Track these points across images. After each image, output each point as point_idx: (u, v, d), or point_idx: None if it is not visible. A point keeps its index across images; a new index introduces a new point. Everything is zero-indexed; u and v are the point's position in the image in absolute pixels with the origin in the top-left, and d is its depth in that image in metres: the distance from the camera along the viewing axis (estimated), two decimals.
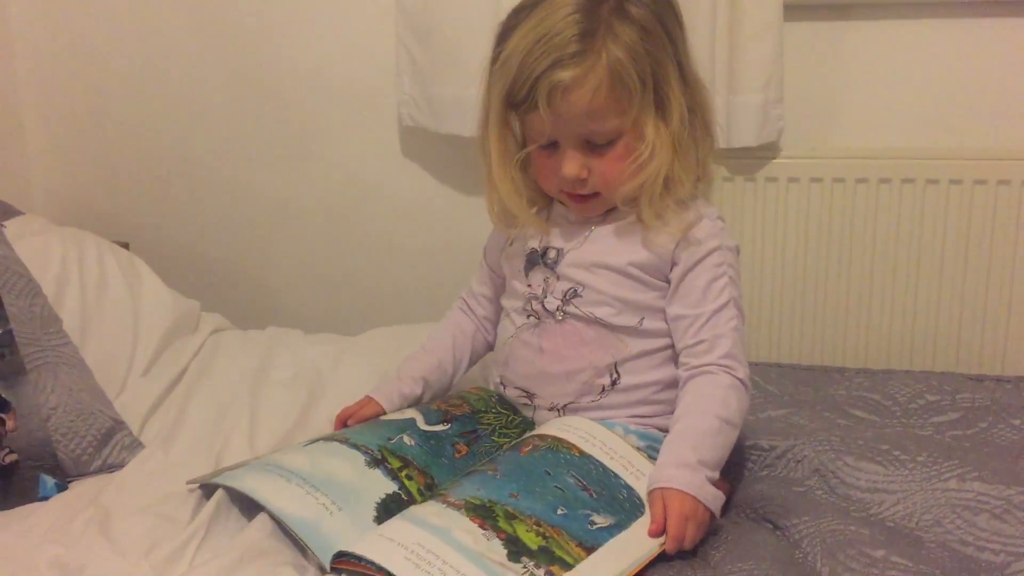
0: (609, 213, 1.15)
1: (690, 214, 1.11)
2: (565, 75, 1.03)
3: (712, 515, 1.00)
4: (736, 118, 1.57)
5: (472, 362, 1.30)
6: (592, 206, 1.14)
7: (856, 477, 1.10)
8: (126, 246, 1.71)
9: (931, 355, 1.62)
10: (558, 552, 0.92)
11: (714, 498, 1.00)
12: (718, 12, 1.50)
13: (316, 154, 1.83)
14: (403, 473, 1.06)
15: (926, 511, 1.03)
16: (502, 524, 0.94)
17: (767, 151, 1.62)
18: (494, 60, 1.10)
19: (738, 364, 1.08)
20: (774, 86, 1.56)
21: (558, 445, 1.07)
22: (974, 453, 1.13)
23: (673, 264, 1.11)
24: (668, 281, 1.12)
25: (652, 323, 1.12)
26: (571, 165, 1.08)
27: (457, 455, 1.12)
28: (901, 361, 1.62)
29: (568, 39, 1.03)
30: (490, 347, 1.30)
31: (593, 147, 1.09)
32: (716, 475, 1.03)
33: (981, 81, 1.60)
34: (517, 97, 1.06)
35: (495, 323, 1.29)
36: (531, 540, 0.93)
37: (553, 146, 1.10)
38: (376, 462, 1.06)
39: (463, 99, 1.55)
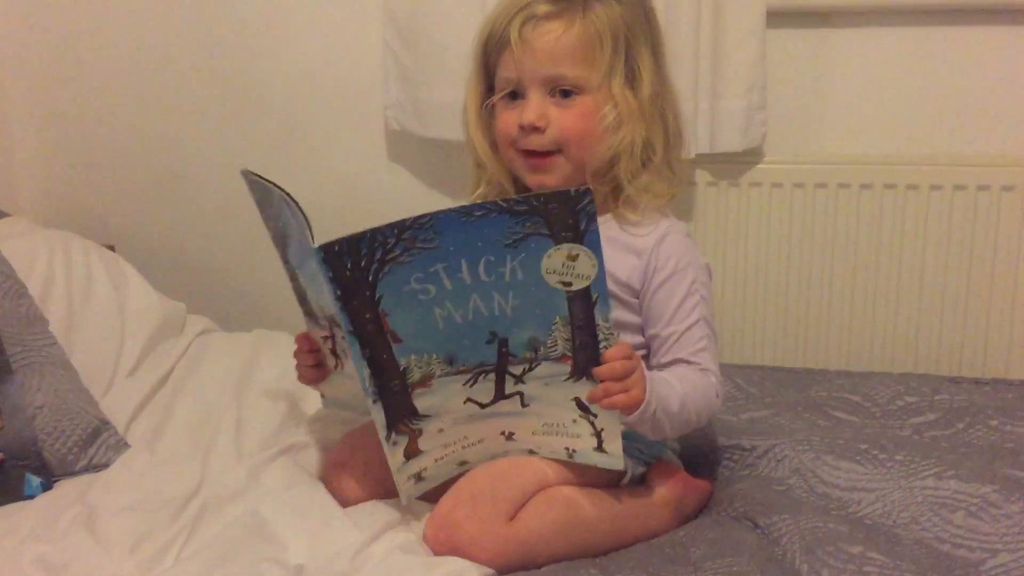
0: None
1: (666, 217, 1.12)
2: (541, 8, 1.08)
3: (642, 405, 0.97)
4: (720, 123, 1.58)
5: None
6: (546, 168, 1.11)
7: (835, 476, 1.11)
8: (112, 249, 1.71)
9: (912, 358, 1.64)
10: None
11: (657, 399, 0.98)
12: (702, 18, 1.52)
13: (303, 158, 1.83)
14: None
15: (903, 509, 1.05)
16: None
17: (750, 156, 1.63)
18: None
19: (715, 376, 1.07)
20: (757, 92, 1.58)
21: None
22: (951, 453, 1.14)
23: (643, 280, 1.10)
24: (638, 297, 1.11)
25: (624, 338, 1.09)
26: (531, 109, 1.09)
27: None
28: (883, 364, 1.64)
29: None
30: None
31: (558, 99, 1.09)
32: (660, 412, 0.99)
33: (961, 88, 1.61)
34: (493, 37, 1.10)
35: None
36: None
37: (519, 98, 1.11)
38: None
39: (450, 103, 1.55)
